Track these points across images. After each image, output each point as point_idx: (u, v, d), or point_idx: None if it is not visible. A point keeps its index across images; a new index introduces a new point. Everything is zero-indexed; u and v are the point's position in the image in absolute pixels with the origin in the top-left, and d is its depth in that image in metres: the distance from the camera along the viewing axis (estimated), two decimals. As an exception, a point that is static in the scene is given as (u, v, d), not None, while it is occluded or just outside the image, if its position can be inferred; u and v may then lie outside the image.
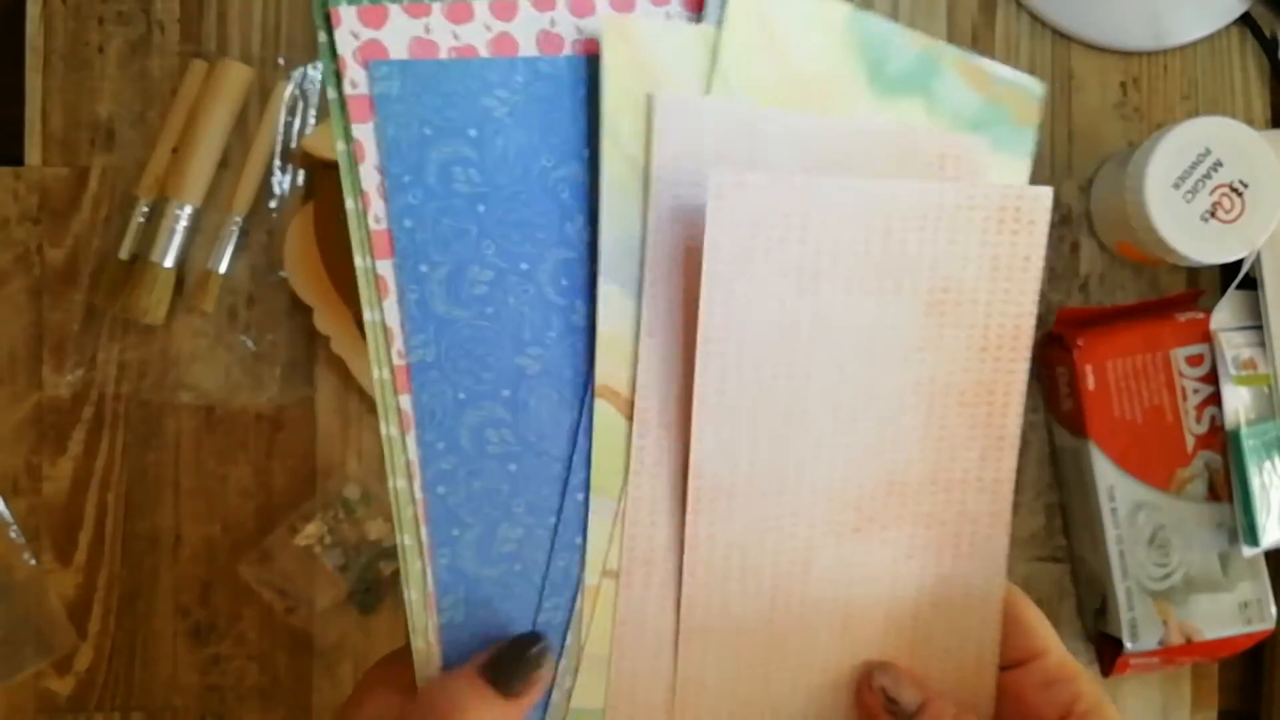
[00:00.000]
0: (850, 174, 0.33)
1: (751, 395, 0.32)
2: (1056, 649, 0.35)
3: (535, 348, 0.32)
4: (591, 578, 0.33)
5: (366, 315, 0.31)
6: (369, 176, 0.31)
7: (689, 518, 0.32)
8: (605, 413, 0.32)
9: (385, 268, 0.31)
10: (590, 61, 0.32)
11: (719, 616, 0.34)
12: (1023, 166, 0.35)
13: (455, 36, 0.31)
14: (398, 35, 0.31)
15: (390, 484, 0.32)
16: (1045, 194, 0.33)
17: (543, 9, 0.32)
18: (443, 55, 0.31)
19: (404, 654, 0.33)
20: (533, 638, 0.32)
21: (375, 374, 0.31)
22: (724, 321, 0.31)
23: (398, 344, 0.31)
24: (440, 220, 0.31)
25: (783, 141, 0.32)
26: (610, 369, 0.32)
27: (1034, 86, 0.35)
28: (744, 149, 0.32)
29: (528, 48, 0.31)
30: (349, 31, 0.31)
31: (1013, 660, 0.36)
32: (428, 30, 0.31)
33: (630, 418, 0.32)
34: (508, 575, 0.32)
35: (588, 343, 0.32)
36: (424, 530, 0.32)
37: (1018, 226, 0.33)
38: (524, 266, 0.31)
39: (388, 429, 0.31)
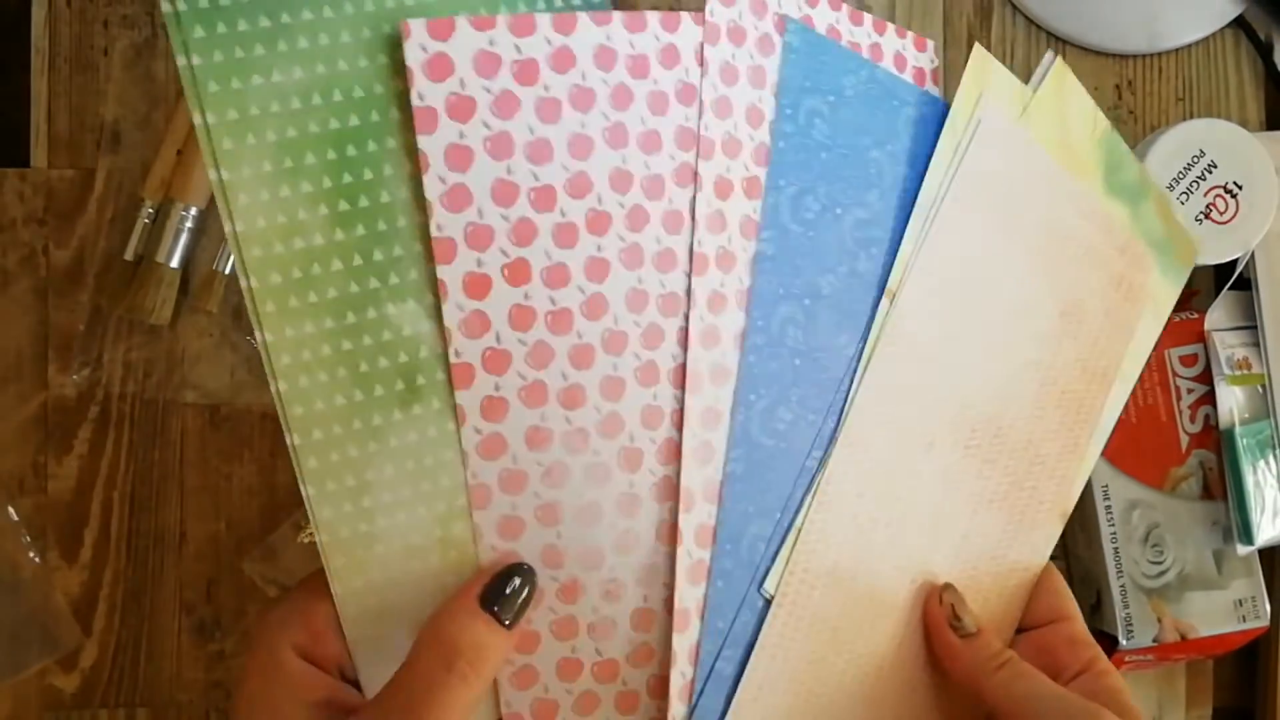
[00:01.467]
0: (1070, 219, 0.43)
1: (941, 290, 0.40)
2: (1080, 619, 0.41)
3: (830, 276, 0.38)
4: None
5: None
6: (433, 186, 0.33)
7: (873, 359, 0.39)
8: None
9: (444, 271, 0.34)
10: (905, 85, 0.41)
11: (869, 439, 0.39)
12: (1174, 293, 0.46)
13: (518, 50, 0.33)
14: (463, 48, 0.33)
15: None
16: (1161, 297, 0.45)
17: (600, 23, 0.35)
18: (504, 69, 0.33)
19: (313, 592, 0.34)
20: (525, 569, 0.33)
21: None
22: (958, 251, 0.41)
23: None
24: (797, 154, 0.38)
25: (1044, 173, 0.42)
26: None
27: (1195, 242, 0.48)
28: (1021, 161, 0.42)
29: (585, 61, 0.34)
30: (418, 44, 0.33)
31: (1045, 619, 0.41)
32: (492, 43, 0.33)
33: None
34: (775, 451, 0.37)
35: (870, 295, 0.39)
36: (729, 390, 0.36)
37: (1132, 295, 0.44)
38: (837, 211, 0.39)
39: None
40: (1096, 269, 0.43)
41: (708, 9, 0.36)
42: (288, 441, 0.35)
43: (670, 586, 0.35)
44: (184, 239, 0.55)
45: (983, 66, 0.41)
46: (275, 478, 0.57)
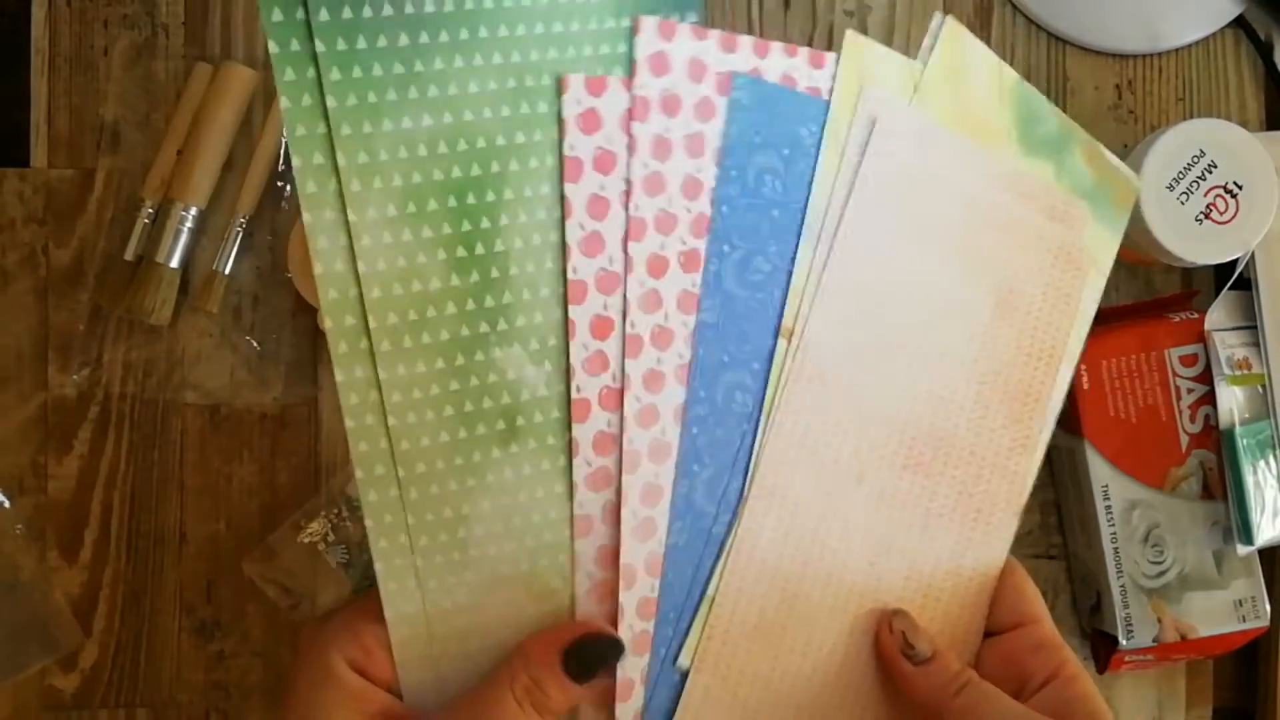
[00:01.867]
0: (988, 196, 0.40)
1: (849, 313, 0.38)
2: (1047, 619, 0.39)
3: (781, 340, 0.38)
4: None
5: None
6: (573, 232, 0.35)
7: (782, 395, 0.38)
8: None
9: (575, 311, 0.36)
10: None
11: (785, 487, 0.38)
12: (1113, 240, 0.43)
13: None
14: (613, 105, 0.35)
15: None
16: (1099, 256, 0.41)
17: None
18: (745, 47, 0.37)
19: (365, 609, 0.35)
20: (614, 643, 0.35)
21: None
22: (860, 249, 0.39)
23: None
24: (744, 216, 0.37)
25: (951, 156, 0.40)
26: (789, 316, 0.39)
27: (1134, 179, 0.44)
28: (922, 152, 0.39)
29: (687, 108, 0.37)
30: (574, 99, 0.35)
31: (1009, 624, 0.40)
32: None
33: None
34: (718, 517, 0.37)
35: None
36: (669, 465, 0.36)
37: (1071, 265, 0.41)
38: (785, 272, 0.37)
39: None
40: (1027, 245, 0.40)
41: (635, 83, 0.35)
42: (366, 473, 0.35)
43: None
44: (184, 239, 0.55)
45: (857, 52, 0.38)
46: (275, 478, 0.57)
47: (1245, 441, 0.54)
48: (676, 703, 0.36)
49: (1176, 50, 0.60)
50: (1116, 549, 0.54)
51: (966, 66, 0.40)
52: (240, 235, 0.56)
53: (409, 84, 0.33)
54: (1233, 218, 0.52)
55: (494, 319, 0.35)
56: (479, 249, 0.34)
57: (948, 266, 0.39)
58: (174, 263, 0.55)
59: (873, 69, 0.38)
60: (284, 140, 0.56)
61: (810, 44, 0.59)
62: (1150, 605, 0.54)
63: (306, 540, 0.56)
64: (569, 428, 0.36)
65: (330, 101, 0.32)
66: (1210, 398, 0.54)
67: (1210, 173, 0.52)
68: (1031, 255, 0.40)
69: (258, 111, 0.57)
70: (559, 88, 0.35)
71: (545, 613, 0.36)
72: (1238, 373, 0.55)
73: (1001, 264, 0.40)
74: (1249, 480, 0.54)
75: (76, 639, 0.55)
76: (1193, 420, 0.55)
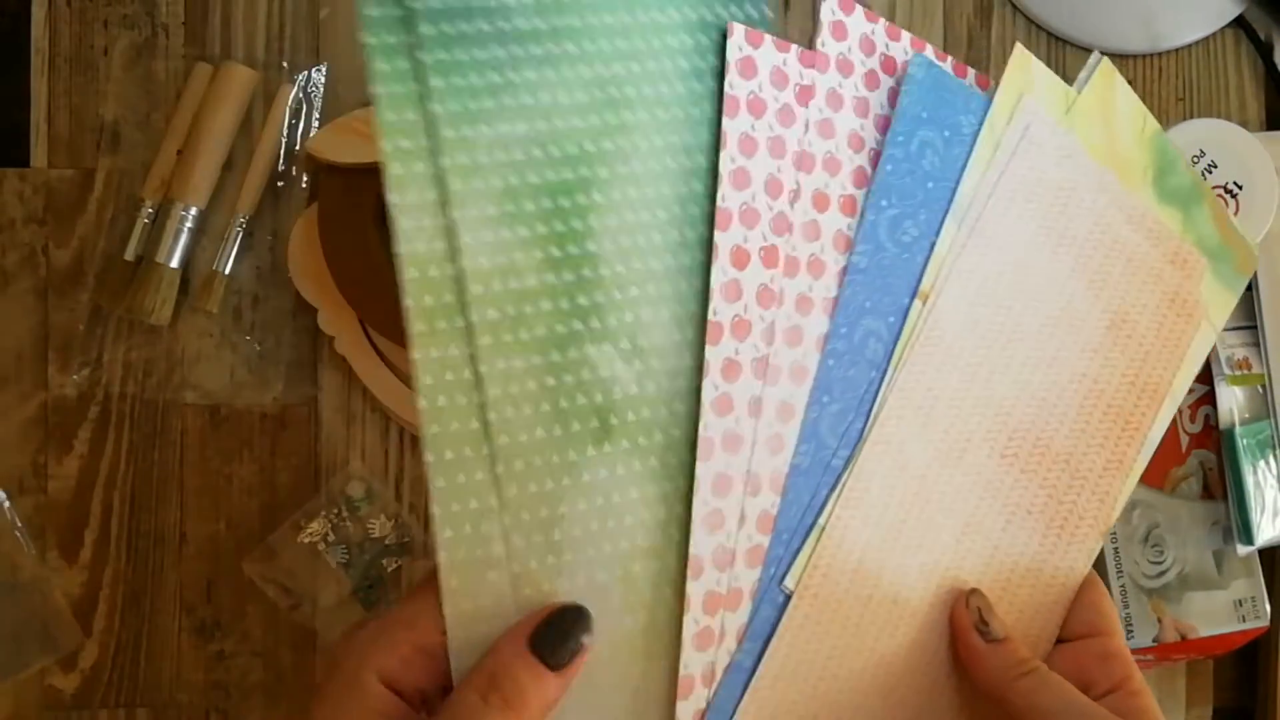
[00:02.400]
0: (1119, 225, 0.42)
1: (979, 296, 0.40)
2: (1119, 635, 0.40)
3: (918, 301, 0.40)
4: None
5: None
6: (725, 163, 0.37)
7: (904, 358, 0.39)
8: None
9: (720, 238, 0.37)
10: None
11: (900, 442, 0.39)
12: (1230, 299, 0.45)
13: (800, 75, 0.39)
14: (766, 60, 0.38)
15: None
16: (1205, 314, 0.44)
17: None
18: (789, 88, 0.39)
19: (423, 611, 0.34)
20: (576, 610, 0.34)
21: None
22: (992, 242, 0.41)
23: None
24: (903, 179, 0.39)
25: (1090, 179, 0.42)
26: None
27: (1253, 248, 0.46)
28: (1065, 167, 0.42)
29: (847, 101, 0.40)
30: (736, 45, 0.38)
31: (1082, 633, 0.40)
32: (784, 64, 0.39)
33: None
34: (837, 451, 0.38)
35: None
36: (805, 388, 0.38)
37: (1184, 311, 0.43)
38: (934, 239, 0.39)
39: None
40: (1147, 281, 0.43)
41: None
42: (436, 457, 0.34)
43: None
44: (184, 239, 0.55)
45: (1024, 65, 0.41)
46: (275, 478, 0.57)
47: (1245, 441, 0.54)
48: (777, 624, 0.37)
49: (1177, 50, 0.60)
50: (1116, 549, 0.54)
51: (1115, 106, 0.43)
52: (240, 235, 0.56)
53: (502, 92, 0.35)
54: (1233, 218, 0.52)
55: (586, 317, 0.36)
56: (572, 249, 0.36)
57: (1073, 279, 0.41)
58: (174, 263, 0.55)
59: (1033, 83, 0.41)
60: (283, 140, 0.57)
61: (811, 45, 0.59)
62: (1150, 605, 0.54)
63: (306, 540, 0.56)
64: (660, 428, 0.37)
65: (436, 108, 0.35)
66: (1210, 398, 0.55)
67: (1210, 173, 0.52)
68: (1150, 292, 0.43)
69: (258, 111, 0.57)
70: (725, 34, 0.38)
71: (641, 623, 0.36)
72: (1238, 373, 0.55)
73: (1121, 291, 0.42)
74: (1249, 480, 0.54)
75: (76, 639, 0.55)
76: (1193, 420, 0.55)
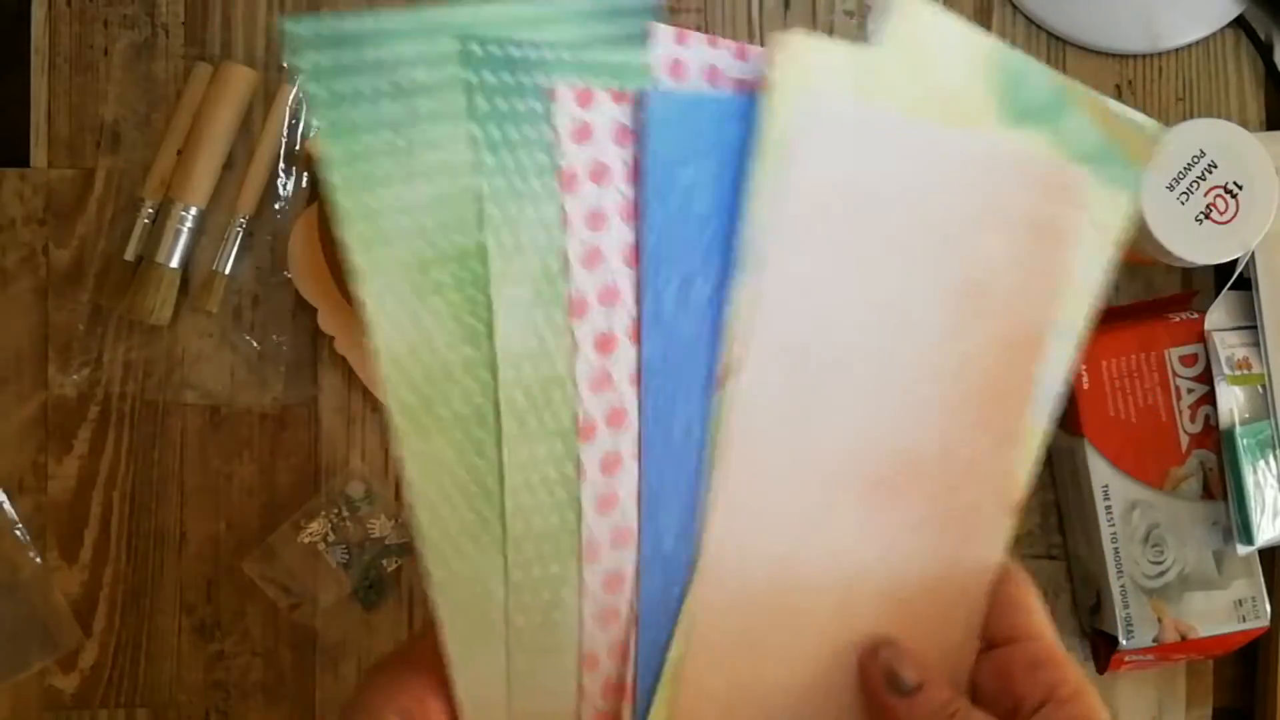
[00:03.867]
0: (950, 187, 0.36)
1: (791, 346, 0.35)
2: (1048, 635, 0.36)
3: (722, 378, 0.35)
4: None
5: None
6: (574, 245, 0.34)
7: (721, 452, 0.35)
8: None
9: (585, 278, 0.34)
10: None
11: (736, 559, 0.35)
12: (1127, 201, 0.38)
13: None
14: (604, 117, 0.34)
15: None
16: (1095, 219, 0.37)
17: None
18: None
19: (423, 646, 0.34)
20: None
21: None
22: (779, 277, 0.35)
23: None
24: (674, 242, 0.34)
25: (903, 150, 0.36)
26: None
27: (1151, 126, 0.38)
28: (865, 151, 0.35)
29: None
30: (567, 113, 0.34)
31: (1004, 638, 0.37)
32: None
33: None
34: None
35: None
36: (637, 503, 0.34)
37: (1053, 242, 0.37)
38: (726, 295, 0.34)
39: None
40: (998, 229, 0.36)
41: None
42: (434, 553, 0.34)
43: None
44: (184, 239, 0.55)
45: (789, 53, 0.34)
46: (275, 478, 0.57)
47: (1245, 441, 0.54)
48: None
49: (1176, 50, 0.60)
50: (1117, 549, 0.54)
51: (930, 42, 0.36)
52: (240, 235, 0.56)
53: (404, 154, 0.33)
54: (1233, 218, 0.52)
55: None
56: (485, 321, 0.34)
57: (901, 276, 0.36)
58: (174, 263, 0.55)
59: (811, 64, 0.34)
60: (283, 140, 0.56)
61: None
62: (1150, 605, 0.54)
63: (306, 540, 0.56)
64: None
65: (333, 177, 0.32)
66: (1210, 398, 0.54)
67: (1210, 173, 0.52)
68: (1003, 240, 0.37)
69: (257, 111, 0.57)
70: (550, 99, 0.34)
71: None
72: (1238, 373, 0.54)
73: (965, 256, 0.36)
74: (1249, 480, 0.54)
75: (76, 639, 0.55)
76: (1193, 420, 0.55)
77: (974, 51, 0.37)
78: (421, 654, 0.34)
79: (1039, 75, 0.37)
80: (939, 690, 0.35)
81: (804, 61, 0.34)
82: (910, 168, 0.36)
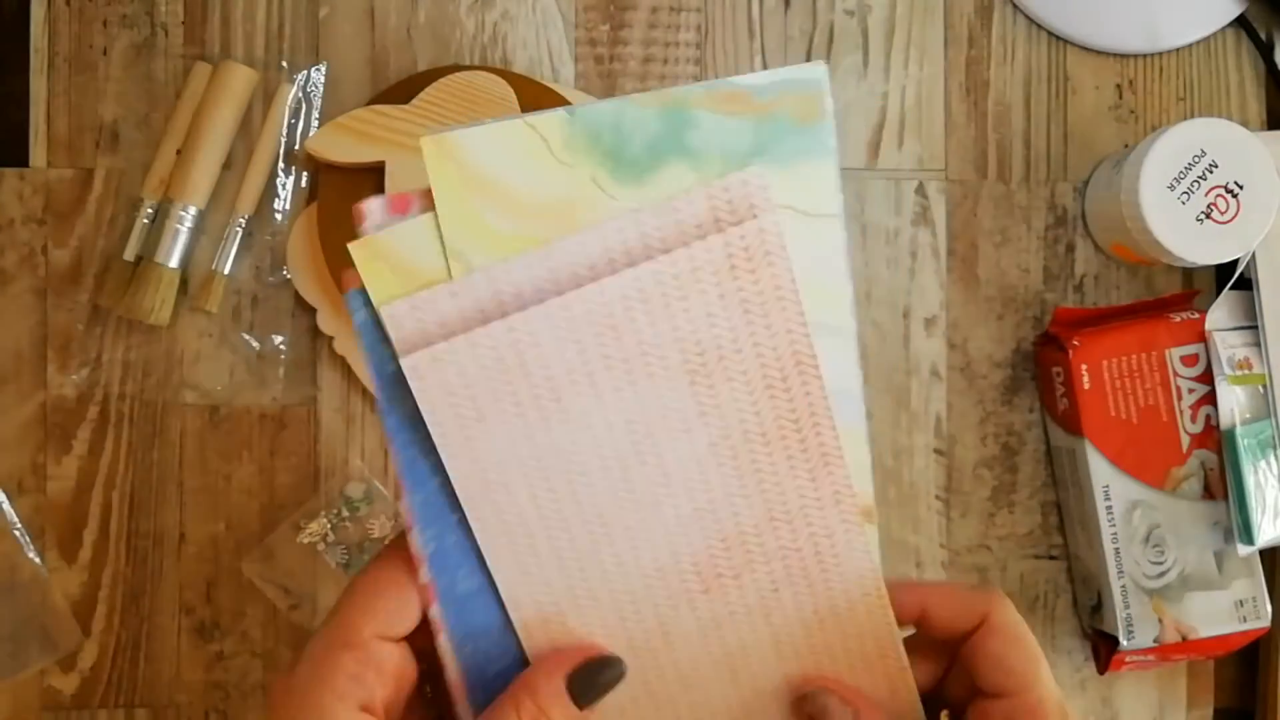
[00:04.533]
0: (605, 300, 0.33)
1: (538, 524, 0.34)
2: (1033, 687, 0.35)
3: None
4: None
5: None
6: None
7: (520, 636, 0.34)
8: None
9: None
10: None
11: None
12: (826, 166, 0.33)
13: None
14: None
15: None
16: (761, 230, 0.33)
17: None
18: None
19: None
20: (617, 661, 0.34)
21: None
22: (476, 471, 0.33)
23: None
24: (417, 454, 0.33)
25: (535, 286, 0.32)
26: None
27: (810, 75, 0.33)
28: (498, 314, 0.32)
29: None
30: (373, 226, 0.32)
31: (993, 692, 0.35)
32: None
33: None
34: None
35: None
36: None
37: (753, 264, 0.33)
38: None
39: None
40: (685, 296, 0.33)
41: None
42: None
43: None
44: (183, 239, 0.55)
45: (370, 254, 0.31)
46: (274, 478, 0.56)
47: (1246, 441, 0.54)
48: None
49: (1177, 50, 0.60)
50: (1117, 549, 0.54)
51: (487, 167, 0.32)
52: (240, 235, 0.56)
53: None
54: (1234, 217, 0.52)
55: None
56: None
57: (596, 399, 0.33)
58: (173, 263, 0.55)
59: (388, 277, 0.31)
60: (283, 140, 0.56)
61: (810, 44, 0.59)
62: (1151, 605, 0.54)
63: (306, 540, 0.56)
64: None
65: None
66: (1211, 398, 0.54)
67: (1211, 172, 0.52)
68: (698, 299, 0.33)
69: (257, 111, 0.57)
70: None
71: None
72: (1238, 373, 0.54)
73: (656, 342, 0.33)
74: (1250, 480, 0.54)
75: (76, 639, 0.55)
76: (1194, 420, 0.55)
77: (532, 142, 0.32)
78: (340, 636, 0.33)
79: (636, 114, 0.33)
80: (876, 716, 0.35)
81: (387, 257, 0.32)
82: (551, 323, 0.32)
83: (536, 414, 0.33)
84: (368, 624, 0.33)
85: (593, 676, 0.33)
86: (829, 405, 0.34)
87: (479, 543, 0.33)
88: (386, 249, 0.32)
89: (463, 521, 0.33)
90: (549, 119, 0.32)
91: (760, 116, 0.33)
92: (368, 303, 0.32)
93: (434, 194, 0.32)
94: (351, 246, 0.31)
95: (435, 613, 0.33)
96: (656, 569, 0.35)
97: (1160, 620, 0.54)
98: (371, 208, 0.32)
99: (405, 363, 0.32)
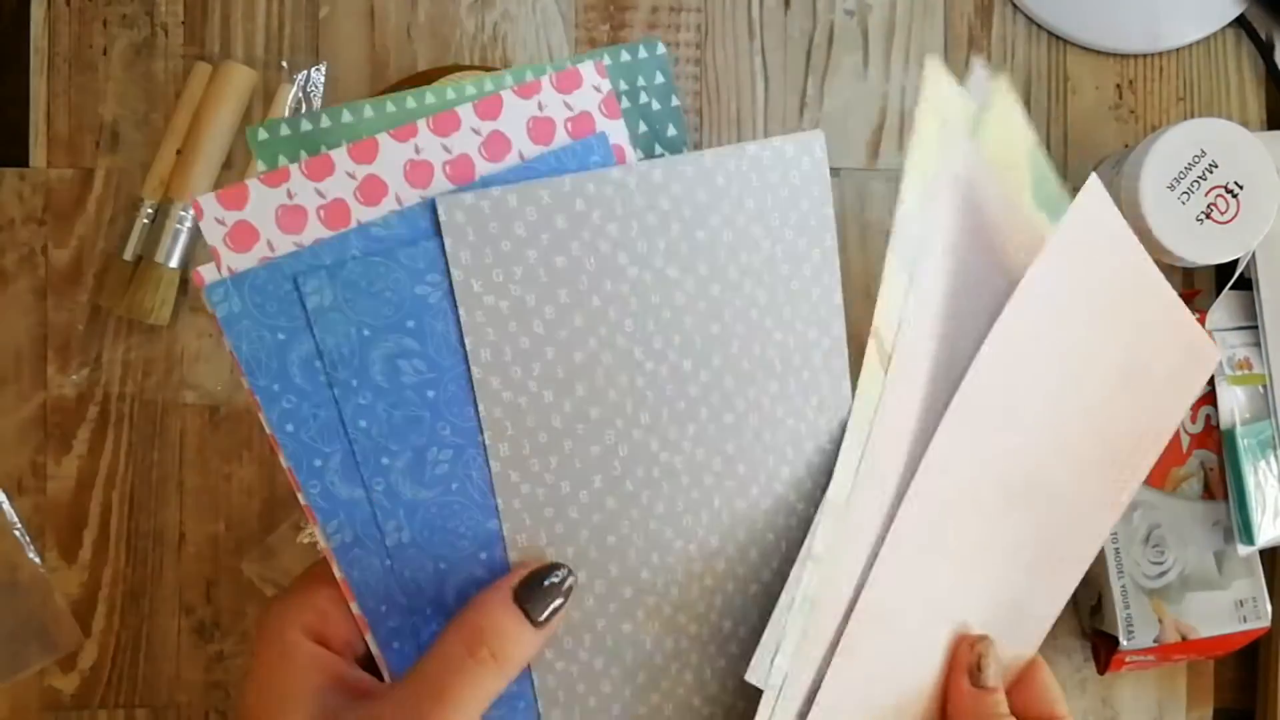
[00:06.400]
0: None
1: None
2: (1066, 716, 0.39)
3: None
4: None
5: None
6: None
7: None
8: None
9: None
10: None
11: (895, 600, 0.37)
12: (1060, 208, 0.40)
13: (320, 195, 0.32)
14: (262, 209, 0.31)
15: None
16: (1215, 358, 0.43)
17: (403, 139, 0.32)
18: (311, 218, 0.32)
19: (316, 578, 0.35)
20: (561, 569, 0.34)
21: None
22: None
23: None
24: (396, 423, 0.32)
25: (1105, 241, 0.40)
26: None
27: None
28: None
29: (396, 184, 0.32)
30: (213, 219, 0.31)
31: (1035, 716, 0.39)
32: (290, 196, 0.31)
33: None
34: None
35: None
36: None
37: (1195, 363, 0.43)
38: (482, 439, 0.33)
39: None
40: (1155, 328, 0.42)
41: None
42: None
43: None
44: (183, 238, 0.55)
45: (937, 94, 0.37)
46: (274, 478, 0.56)
47: (1246, 442, 0.54)
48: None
49: (1177, 50, 0.60)
50: (1117, 549, 0.54)
51: (1013, 121, 0.40)
52: (240, 235, 0.56)
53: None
54: (1233, 217, 0.52)
55: None
56: None
57: (1087, 338, 0.39)
58: (173, 262, 0.55)
59: (948, 111, 0.37)
60: (283, 140, 0.56)
61: (810, 44, 0.59)
62: (1151, 605, 0.54)
63: (306, 540, 0.56)
64: None
65: None
66: (1211, 398, 0.54)
67: (1211, 172, 0.52)
68: (1162, 338, 0.42)
69: (257, 111, 0.57)
70: None
71: None
72: (1239, 373, 0.54)
73: (1133, 339, 0.41)
74: (1250, 480, 0.54)
75: (76, 639, 0.55)
76: (1194, 420, 0.55)
77: (1026, 141, 0.41)
78: (318, 570, 0.35)
79: (1051, 174, 0.42)
80: (1004, 703, 0.37)
81: (940, 109, 0.37)
82: (1105, 253, 0.39)
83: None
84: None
85: (542, 586, 0.33)
86: (1141, 478, 0.44)
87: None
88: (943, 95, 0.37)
89: (382, 474, 0.33)
90: (1030, 131, 0.42)
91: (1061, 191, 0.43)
92: (229, 295, 0.31)
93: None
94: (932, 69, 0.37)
95: (355, 608, 0.33)
96: (1009, 461, 0.40)
97: (1160, 620, 0.54)
98: (206, 202, 0.31)
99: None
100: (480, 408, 0.33)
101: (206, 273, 0.31)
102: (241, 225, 0.31)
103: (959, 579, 0.39)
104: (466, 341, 0.32)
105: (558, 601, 0.33)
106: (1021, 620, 0.40)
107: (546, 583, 0.33)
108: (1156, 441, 0.42)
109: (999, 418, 0.38)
